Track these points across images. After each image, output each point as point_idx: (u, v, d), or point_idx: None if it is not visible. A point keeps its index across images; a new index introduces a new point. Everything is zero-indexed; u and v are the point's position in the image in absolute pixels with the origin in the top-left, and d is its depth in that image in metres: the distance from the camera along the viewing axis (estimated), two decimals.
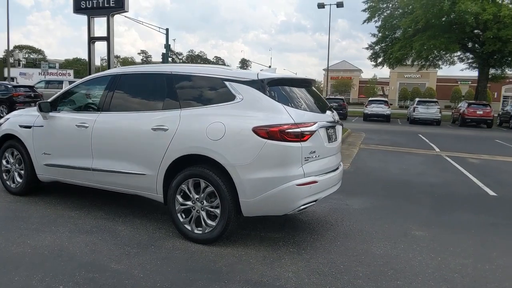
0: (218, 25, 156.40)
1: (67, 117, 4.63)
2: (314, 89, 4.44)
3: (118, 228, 4.07)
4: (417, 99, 27.73)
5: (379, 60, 33.63)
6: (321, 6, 33.57)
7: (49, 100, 4.87)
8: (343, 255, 3.62)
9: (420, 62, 32.23)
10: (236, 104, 3.70)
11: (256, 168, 3.50)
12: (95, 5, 25.58)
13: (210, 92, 3.92)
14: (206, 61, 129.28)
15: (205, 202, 3.72)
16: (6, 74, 36.37)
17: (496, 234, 4.40)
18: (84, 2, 25.98)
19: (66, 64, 66.97)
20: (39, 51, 72.09)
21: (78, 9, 26.60)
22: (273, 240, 3.93)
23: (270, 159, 3.47)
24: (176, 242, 3.75)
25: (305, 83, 4.28)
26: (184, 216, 3.84)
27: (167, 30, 36.85)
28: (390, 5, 31.24)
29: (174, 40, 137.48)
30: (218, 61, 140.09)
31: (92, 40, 27.30)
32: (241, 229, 4.14)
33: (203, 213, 3.74)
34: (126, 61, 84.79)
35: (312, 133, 3.64)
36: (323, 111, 4.11)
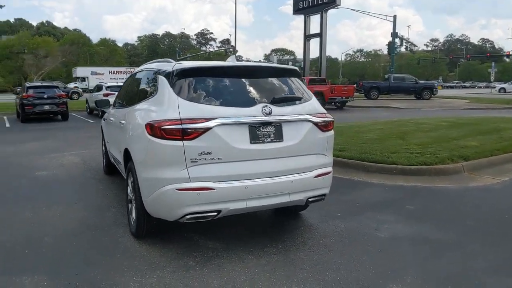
0: (488, 0, 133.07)
1: (111, 111, 5.65)
2: (264, 78, 3.66)
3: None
4: None
5: None
6: None
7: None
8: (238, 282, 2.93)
9: None
10: (152, 99, 3.65)
11: (146, 166, 3.37)
12: (310, 4, 27.73)
13: (149, 86, 4.00)
14: (468, 45, 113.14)
15: (133, 195, 3.84)
16: None
17: None
18: (301, 3, 28.69)
19: (313, 62, 75.13)
20: (290, 52, 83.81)
21: (296, 10, 29.68)
22: (221, 249, 3.58)
23: (153, 158, 3.27)
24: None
25: (238, 72, 3.62)
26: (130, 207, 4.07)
27: (394, 17, 35.04)
28: None
29: (409, 26, 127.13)
30: (486, 43, 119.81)
31: (307, 37, 29.77)
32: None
33: (133, 206, 3.86)
34: (369, 54, 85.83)
35: (203, 130, 3.12)
36: (249, 104, 3.35)
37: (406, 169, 6.46)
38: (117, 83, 18.62)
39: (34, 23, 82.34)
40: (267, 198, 3.36)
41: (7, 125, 15.07)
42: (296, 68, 3.97)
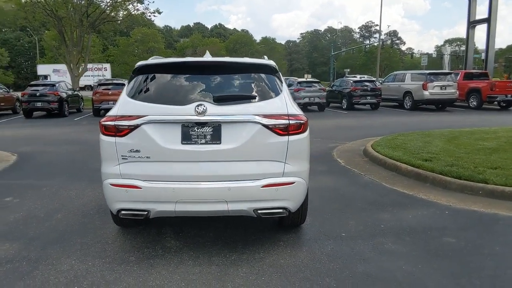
0: None
1: None
2: (221, 75, 3.46)
3: None
4: None
5: None
6: None
7: None
8: None
9: None
10: None
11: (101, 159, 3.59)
12: None
13: None
14: None
15: None
16: None
17: None
18: None
19: (499, 53, 63.36)
20: None
21: None
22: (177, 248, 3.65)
23: (101, 152, 3.44)
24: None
25: (191, 68, 3.50)
26: None
27: None
28: None
29: None
30: None
31: (472, 24, 25.54)
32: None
33: None
34: None
35: (132, 127, 3.17)
36: (184, 102, 3.19)
37: (497, 191, 5.03)
38: None
39: (209, 26, 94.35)
40: (199, 204, 3.17)
41: None
42: (267, 63, 3.54)
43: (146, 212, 3.22)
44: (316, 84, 19.30)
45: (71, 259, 3.39)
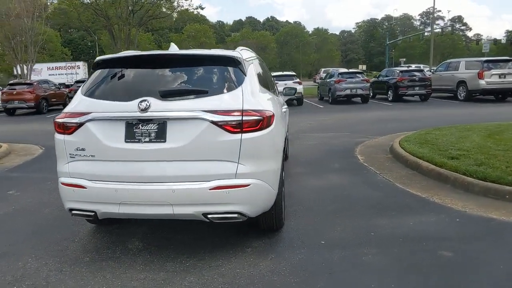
0: None
1: None
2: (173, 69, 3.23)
3: None
4: None
5: None
6: None
7: None
8: None
9: None
10: None
11: None
12: None
13: None
14: None
15: None
16: None
17: None
18: None
19: None
20: None
21: None
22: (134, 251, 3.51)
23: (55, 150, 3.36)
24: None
25: (144, 62, 3.32)
26: None
27: None
28: None
29: None
30: None
31: None
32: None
33: None
34: None
35: (77, 125, 3.04)
36: (129, 98, 2.97)
37: None
38: None
39: (261, 19, 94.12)
40: (142, 206, 2.95)
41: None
42: (228, 54, 3.19)
43: (93, 213, 3.08)
44: (359, 75, 18.42)
45: (29, 256, 3.35)
